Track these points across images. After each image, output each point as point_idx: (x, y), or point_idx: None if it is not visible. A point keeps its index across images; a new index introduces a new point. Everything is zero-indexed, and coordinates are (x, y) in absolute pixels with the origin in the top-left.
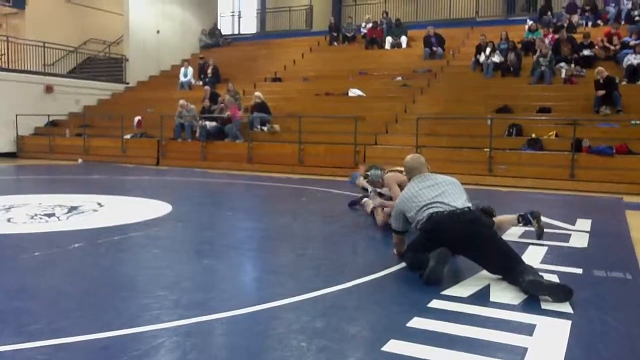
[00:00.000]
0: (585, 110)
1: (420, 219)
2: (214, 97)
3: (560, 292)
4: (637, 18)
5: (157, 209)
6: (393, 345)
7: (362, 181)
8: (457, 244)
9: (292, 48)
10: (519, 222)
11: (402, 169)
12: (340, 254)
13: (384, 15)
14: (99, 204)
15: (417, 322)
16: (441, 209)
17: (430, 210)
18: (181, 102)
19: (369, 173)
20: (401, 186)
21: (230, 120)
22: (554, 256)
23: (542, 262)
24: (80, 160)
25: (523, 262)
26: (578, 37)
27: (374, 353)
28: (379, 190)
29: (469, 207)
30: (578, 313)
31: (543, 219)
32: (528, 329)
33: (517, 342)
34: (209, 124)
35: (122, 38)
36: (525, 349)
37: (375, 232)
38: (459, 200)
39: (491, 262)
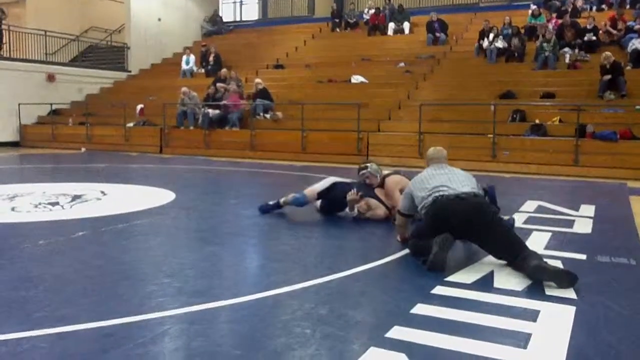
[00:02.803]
0: (590, 95)
1: (426, 203)
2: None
3: (565, 277)
4: None
5: (160, 197)
6: (397, 332)
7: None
8: (460, 228)
9: (294, 35)
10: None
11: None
12: (344, 241)
13: (387, 1)
14: (102, 192)
15: (421, 309)
16: (446, 193)
17: (437, 194)
18: (183, 89)
19: (367, 165)
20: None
21: (229, 107)
22: (558, 242)
23: (546, 247)
24: (83, 149)
25: (527, 248)
26: (582, 21)
27: (378, 339)
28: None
29: (474, 193)
30: (582, 299)
31: (547, 204)
32: (532, 315)
33: (521, 328)
34: (212, 112)
35: (123, 26)
36: (529, 335)
37: (378, 220)
38: (466, 187)
39: (495, 247)
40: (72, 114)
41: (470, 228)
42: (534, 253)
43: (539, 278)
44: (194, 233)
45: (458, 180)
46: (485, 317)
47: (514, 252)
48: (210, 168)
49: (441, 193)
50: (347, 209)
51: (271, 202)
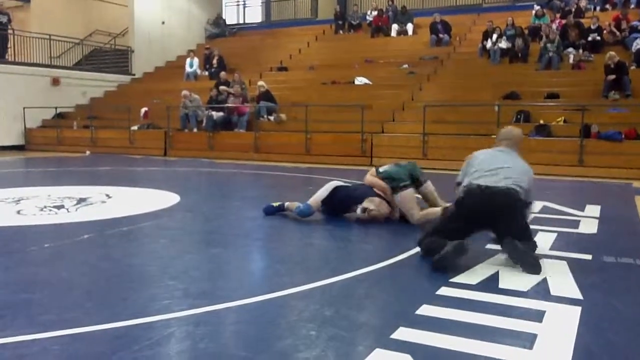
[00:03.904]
0: (594, 95)
1: (463, 188)
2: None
3: (528, 263)
4: None
5: (165, 199)
6: (402, 333)
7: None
8: (477, 217)
9: (297, 37)
10: None
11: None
12: (348, 243)
13: (390, 2)
14: (107, 195)
15: (426, 310)
16: (480, 183)
17: (472, 183)
18: (184, 92)
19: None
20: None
21: (235, 110)
22: (563, 242)
23: (552, 248)
24: (88, 152)
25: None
26: (586, 22)
27: (384, 340)
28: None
29: (507, 187)
30: (588, 299)
31: (552, 205)
32: (538, 316)
33: (526, 328)
34: (216, 114)
35: (127, 29)
36: (535, 336)
37: (382, 221)
38: (502, 179)
39: (505, 232)
40: (76, 117)
41: (495, 220)
42: (531, 243)
43: (507, 253)
44: (199, 235)
45: (498, 173)
46: (491, 317)
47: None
48: (214, 170)
49: (477, 181)
50: (358, 210)
51: (275, 204)
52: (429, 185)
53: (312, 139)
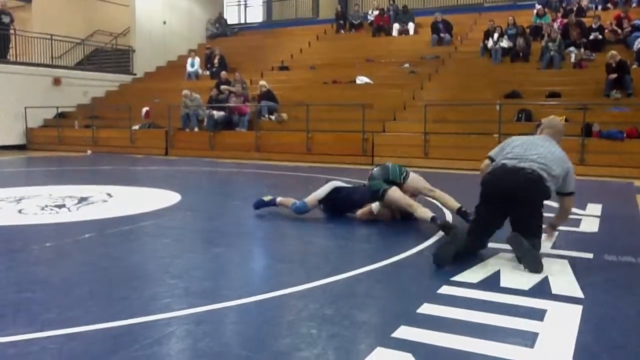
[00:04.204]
0: (595, 94)
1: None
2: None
3: (531, 261)
4: None
5: (166, 198)
6: (403, 332)
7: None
8: (496, 195)
9: (298, 36)
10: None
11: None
12: (349, 242)
13: (391, 2)
14: (108, 194)
15: (427, 308)
16: (507, 163)
17: (501, 161)
18: (185, 92)
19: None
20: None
21: (236, 110)
22: (565, 241)
23: (553, 247)
24: (89, 152)
25: (535, 237)
26: (587, 20)
27: (385, 339)
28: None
29: (532, 169)
30: (589, 298)
31: (553, 204)
32: (539, 314)
33: (527, 327)
34: (217, 114)
35: (128, 29)
36: (536, 334)
37: (383, 220)
38: (529, 162)
39: (518, 222)
40: (78, 116)
41: (511, 199)
42: (535, 242)
43: (512, 247)
44: (200, 234)
45: (530, 159)
46: (492, 316)
47: (523, 233)
48: (215, 170)
49: (504, 161)
50: (373, 206)
51: (266, 199)
52: (411, 180)
53: (313, 138)
